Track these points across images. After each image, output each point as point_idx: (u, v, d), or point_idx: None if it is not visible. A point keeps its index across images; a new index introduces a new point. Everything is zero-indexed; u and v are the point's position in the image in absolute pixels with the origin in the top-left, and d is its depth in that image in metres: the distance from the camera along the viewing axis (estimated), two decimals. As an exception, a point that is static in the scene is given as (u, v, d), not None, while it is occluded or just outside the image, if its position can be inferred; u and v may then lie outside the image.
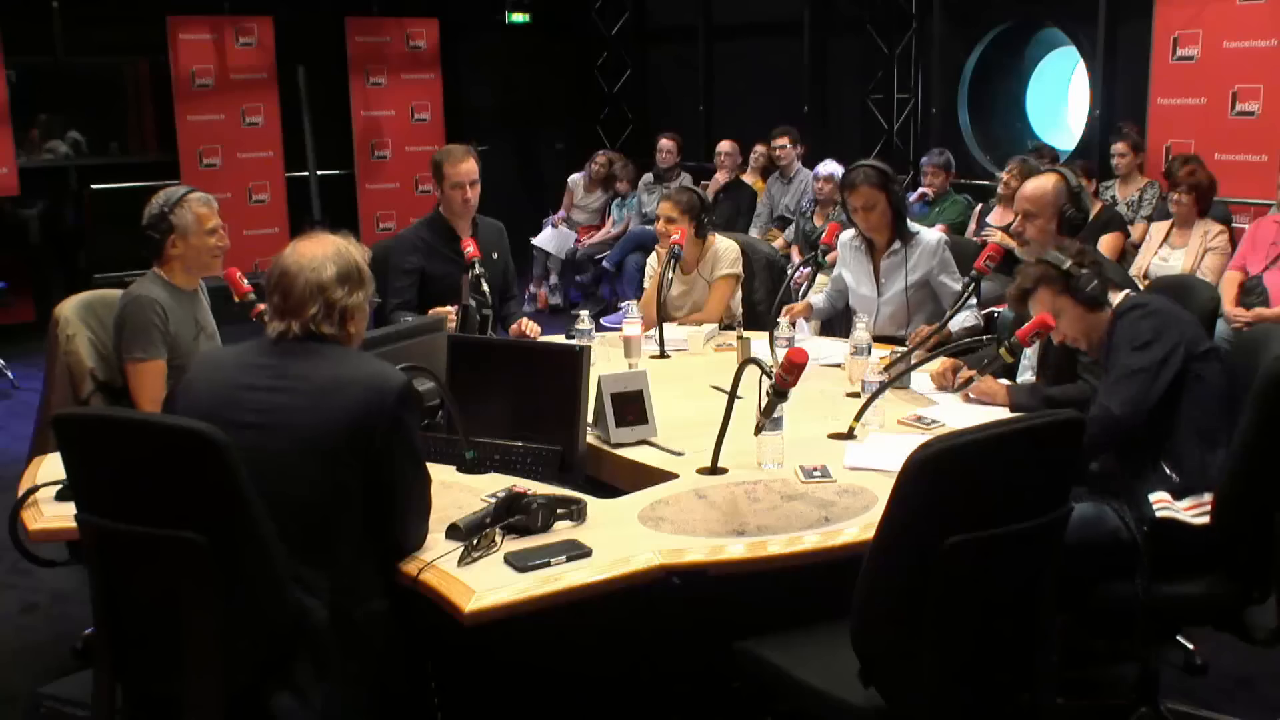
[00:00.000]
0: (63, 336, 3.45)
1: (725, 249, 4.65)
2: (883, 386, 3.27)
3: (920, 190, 7.35)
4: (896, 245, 4.33)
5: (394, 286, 4.35)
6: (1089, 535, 2.69)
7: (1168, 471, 2.83)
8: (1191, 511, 2.75)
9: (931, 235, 4.39)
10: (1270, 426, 2.61)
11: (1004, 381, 3.56)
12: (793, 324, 4.16)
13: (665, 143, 8.77)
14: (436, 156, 4.44)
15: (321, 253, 2.40)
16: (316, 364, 2.35)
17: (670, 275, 4.43)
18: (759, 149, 8.48)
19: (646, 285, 4.79)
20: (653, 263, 4.80)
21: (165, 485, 2.16)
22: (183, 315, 3.53)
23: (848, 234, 4.49)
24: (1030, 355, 3.63)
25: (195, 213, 3.52)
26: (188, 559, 2.12)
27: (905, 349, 3.75)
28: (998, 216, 6.58)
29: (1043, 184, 3.68)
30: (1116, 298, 3.05)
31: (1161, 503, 2.76)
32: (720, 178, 8.39)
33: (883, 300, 4.36)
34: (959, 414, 3.29)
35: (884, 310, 4.35)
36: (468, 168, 4.36)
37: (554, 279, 8.97)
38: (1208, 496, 2.75)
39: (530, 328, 4.36)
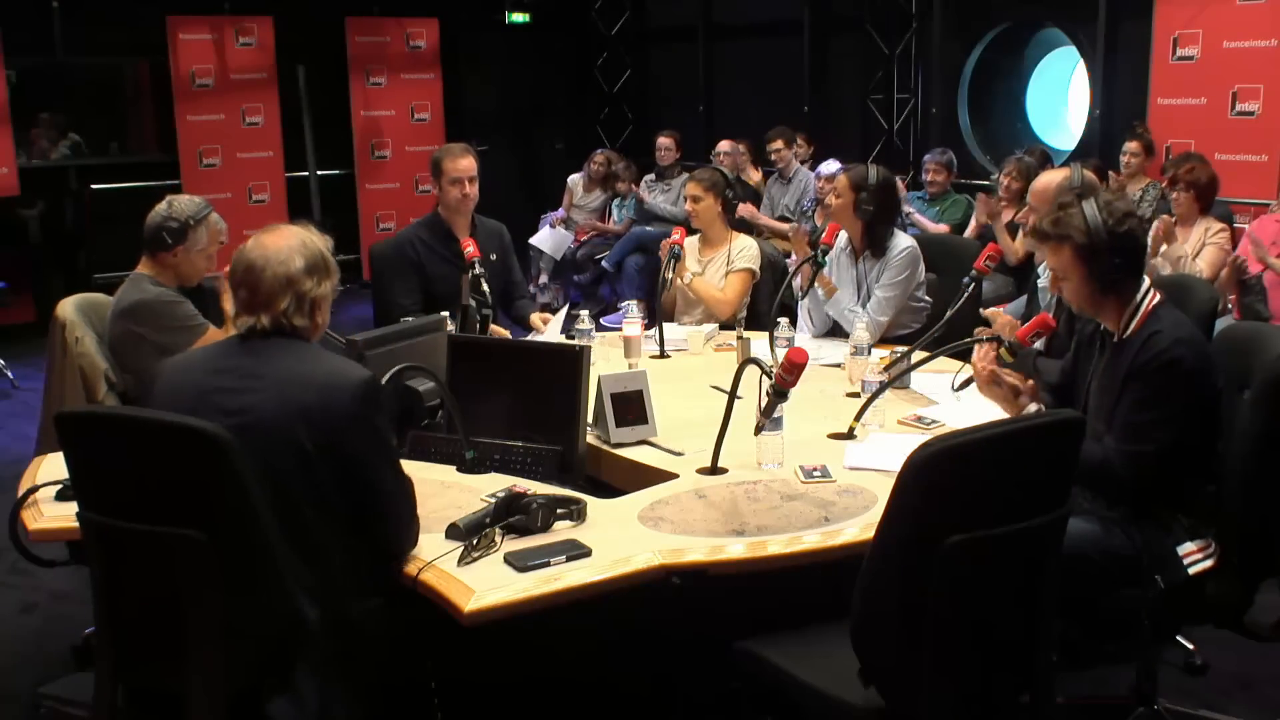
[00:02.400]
0: (71, 339, 3.46)
1: (748, 244, 4.74)
2: (883, 386, 3.27)
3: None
4: (867, 254, 4.38)
5: (402, 287, 4.36)
6: (1094, 552, 2.66)
7: (1180, 517, 2.76)
8: (1203, 554, 2.73)
9: (901, 241, 4.37)
10: (1276, 426, 2.60)
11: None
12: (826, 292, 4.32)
13: (664, 140, 8.76)
14: (435, 154, 4.47)
15: (286, 244, 2.38)
16: (283, 361, 2.33)
17: (670, 275, 4.44)
18: (724, 146, 8.44)
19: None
20: (694, 242, 4.81)
21: (167, 484, 2.16)
22: None
23: (842, 237, 4.51)
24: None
25: (210, 234, 3.60)
26: (190, 557, 2.12)
27: (905, 350, 3.75)
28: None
29: (1049, 180, 3.71)
30: (1142, 290, 2.81)
31: (1190, 556, 2.71)
32: (720, 176, 8.38)
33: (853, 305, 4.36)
34: (959, 414, 3.29)
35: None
36: (466, 163, 4.39)
37: (544, 279, 8.94)
38: (1200, 542, 2.73)
39: (546, 316, 4.41)
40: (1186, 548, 2.72)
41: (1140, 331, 2.77)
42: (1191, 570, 2.70)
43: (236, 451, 2.12)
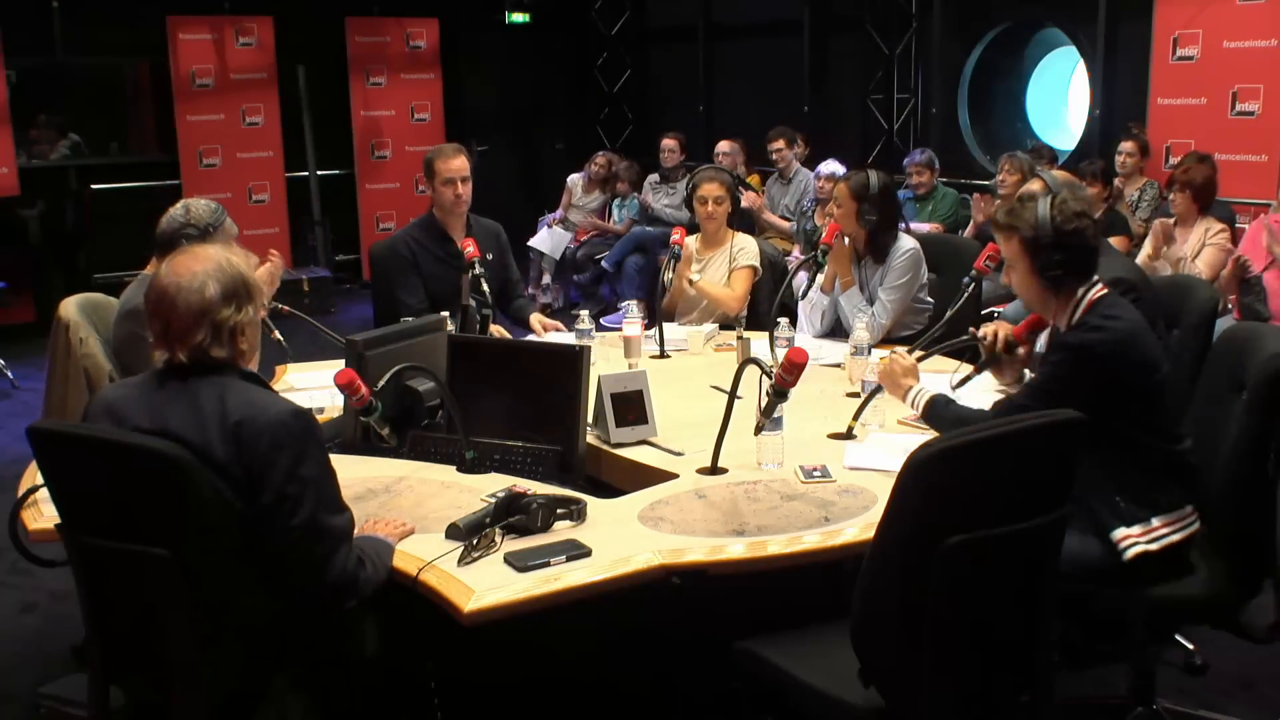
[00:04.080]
0: (75, 340, 3.44)
1: (748, 242, 4.76)
2: (882, 386, 3.27)
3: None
4: (867, 259, 4.35)
5: (405, 286, 4.36)
6: (1078, 563, 2.65)
7: (1117, 500, 2.74)
8: (1147, 538, 2.70)
9: (904, 243, 4.34)
10: (1272, 426, 2.60)
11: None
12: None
13: (668, 142, 8.75)
14: (428, 155, 4.48)
15: (201, 269, 2.20)
16: (199, 404, 2.16)
17: (670, 276, 4.44)
18: (723, 146, 8.43)
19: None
20: (691, 242, 4.80)
21: (136, 503, 2.12)
22: None
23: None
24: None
25: (225, 239, 3.53)
26: (162, 574, 2.09)
27: (908, 348, 3.75)
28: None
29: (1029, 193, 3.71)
30: (1094, 292, 2.81)
31: (1126, 539, 2.70)
32: (720, 177, 8.36)
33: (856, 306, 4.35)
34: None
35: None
36: (459, 164, 4.39)
37: (547, 279, 8.93)
38: (1156, 522, 2.70)
39: (547, 324, 4.43)
40: (1120, 532, 2.70)
41: (1081, 322, 2.80)
42: (1127, 555, 2.69)
43: (199, 471, 2.06)
